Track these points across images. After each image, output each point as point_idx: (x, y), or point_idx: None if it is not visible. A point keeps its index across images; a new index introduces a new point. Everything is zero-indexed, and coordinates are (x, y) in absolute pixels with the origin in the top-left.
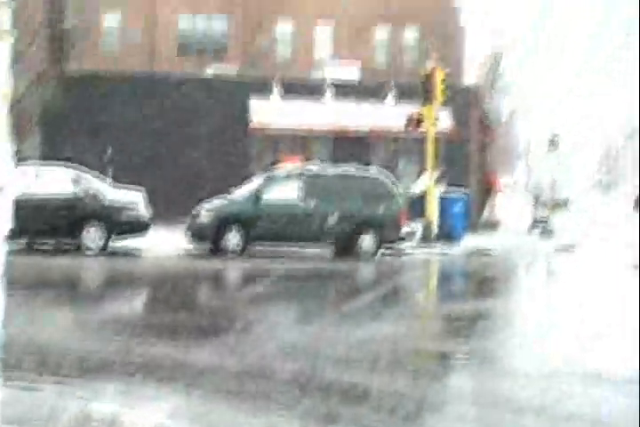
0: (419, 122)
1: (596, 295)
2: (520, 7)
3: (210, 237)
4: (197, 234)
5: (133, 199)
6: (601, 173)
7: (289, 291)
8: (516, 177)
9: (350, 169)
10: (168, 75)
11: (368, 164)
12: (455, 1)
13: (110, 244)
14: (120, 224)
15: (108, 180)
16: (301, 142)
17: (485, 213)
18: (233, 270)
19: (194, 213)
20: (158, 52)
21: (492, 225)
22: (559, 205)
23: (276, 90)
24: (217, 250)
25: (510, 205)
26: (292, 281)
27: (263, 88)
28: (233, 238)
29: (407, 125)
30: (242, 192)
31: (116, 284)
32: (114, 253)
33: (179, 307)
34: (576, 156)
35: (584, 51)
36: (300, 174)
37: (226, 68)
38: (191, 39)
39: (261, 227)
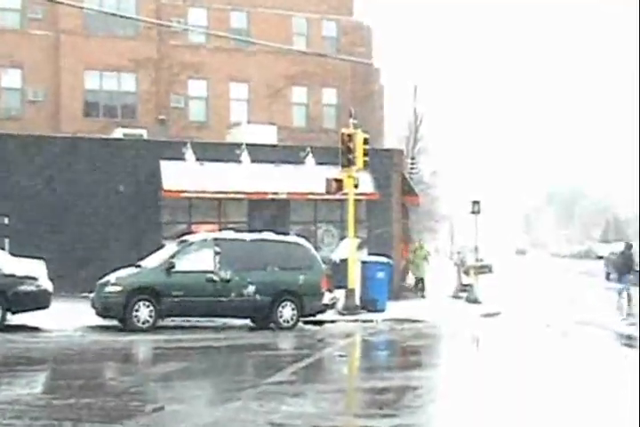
0: (339, 185)
1: (524, 363)
2: (441, 67)
3: (118, 311)
4: (104, 307)
5: (34, 271)
6: (521, 238)
7: (205, 366)
8: (439, 242)
9: (268, 235)
10: (73, 136)
11: (286, 229)
12: (375, 61)
13: (8, 318)
14: (19, 297)
15: (6, 250)
16: (216, 207)
17: (408, 280)
18: (144, 346)
19: (100, 284)
20: (63, 111)
21: (415, 291)
22: (483, 270)
23: (190, 152)
24: (126, 324)
25: (433, 270)
26: (208, 355)
27: (175, 150)
28: (143, 311)
29: (327, 189)
30: (153, 261)
31: (14, 362)
32: (12, 329)
33: (84, 387)
34: (497, 220)
35: (505, 112)
36: (215, 242)
37: (135, 130)
38: (98, 98)
39: (174, 299)
